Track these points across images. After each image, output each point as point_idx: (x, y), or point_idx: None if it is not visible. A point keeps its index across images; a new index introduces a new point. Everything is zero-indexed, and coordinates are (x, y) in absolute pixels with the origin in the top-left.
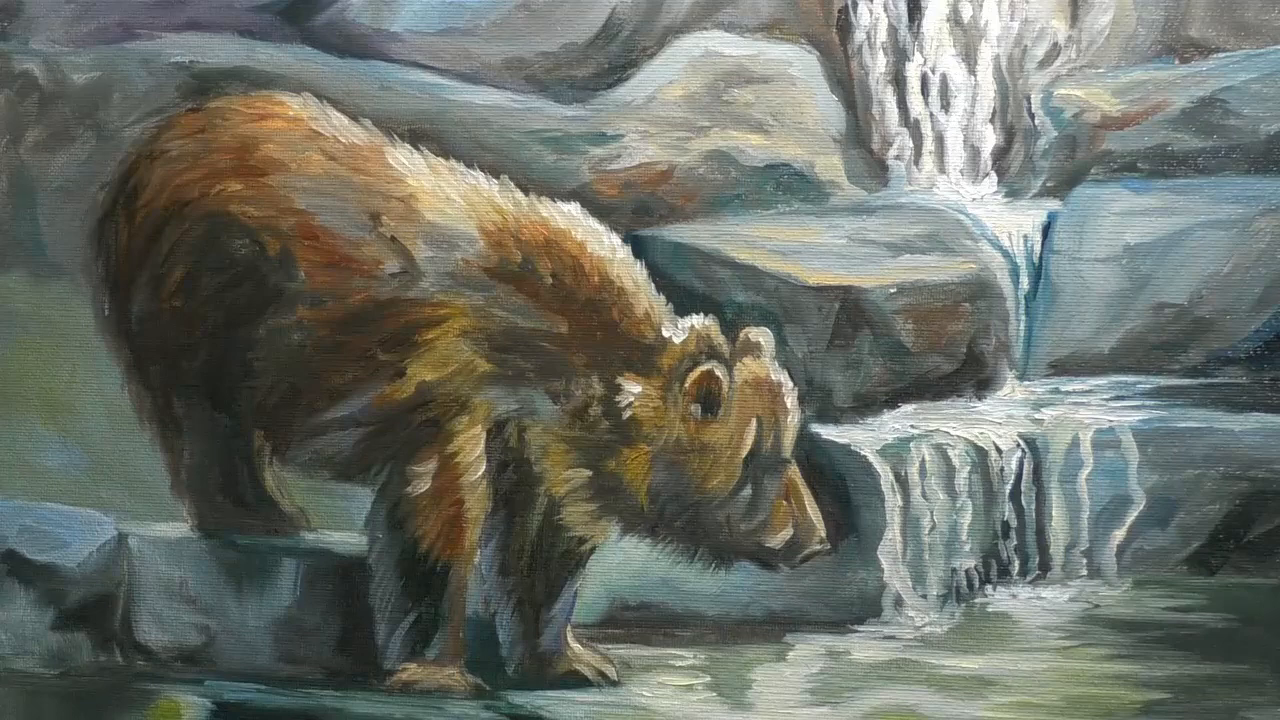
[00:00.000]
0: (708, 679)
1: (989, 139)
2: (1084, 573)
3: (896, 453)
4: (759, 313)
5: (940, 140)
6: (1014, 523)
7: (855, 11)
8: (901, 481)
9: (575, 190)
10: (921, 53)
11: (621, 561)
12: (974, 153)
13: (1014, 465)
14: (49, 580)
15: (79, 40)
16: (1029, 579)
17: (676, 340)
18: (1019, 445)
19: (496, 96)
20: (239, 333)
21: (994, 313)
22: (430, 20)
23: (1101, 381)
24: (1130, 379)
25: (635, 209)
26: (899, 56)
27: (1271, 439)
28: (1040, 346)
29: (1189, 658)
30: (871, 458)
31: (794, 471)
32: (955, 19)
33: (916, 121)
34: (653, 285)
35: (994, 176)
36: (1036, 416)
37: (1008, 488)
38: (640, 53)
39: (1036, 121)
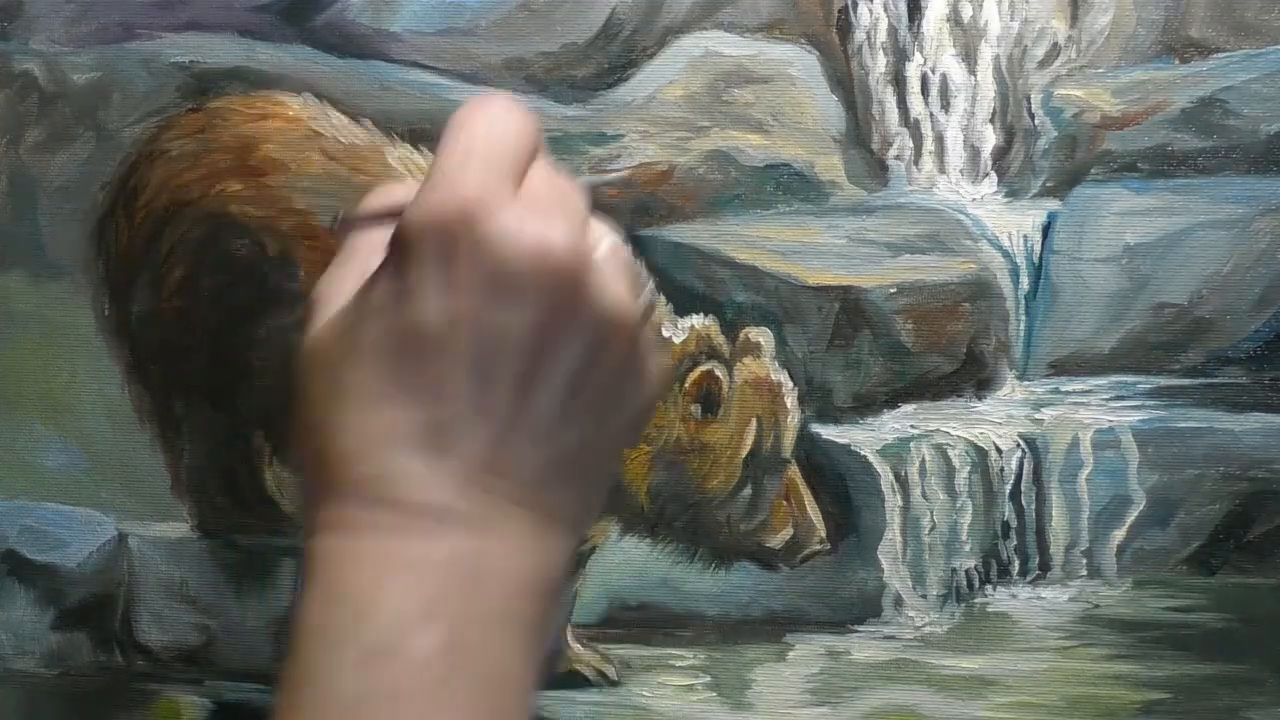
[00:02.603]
0: (708, 679)
1: (989, 139)
2: (1084, 573)
3: (896, 453)
4: (759, 313)
5: (940, 140)
6: (1014, 523)
7: (855, 11)
8: (901, 481)
9: None
10: (921, 53)
11: (621, 561)
12: (974, 153)
13: (1014, 465)
14: (49, 580)
15: (79, 40)
16: (1029, 579)
17: (676, 340)
18: (1019, 445)
19: None
20: (239, 333)
21: (994, 313)
22: (430, 20)
23: (1101, 381)
24: (1130, 379)
25: (635, 209)
26: (899, 56)
27: (1271, 439)
28: (1040, 346)
29: (1189, 658)
30: (871, 458)
31: (794, 471)
32: (955, 19)
33: (916, 121)
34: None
35: (994, 176)
36: (1036, 416)
37: (1008, 488)
38: (640, 53)
39: (1036, 121)
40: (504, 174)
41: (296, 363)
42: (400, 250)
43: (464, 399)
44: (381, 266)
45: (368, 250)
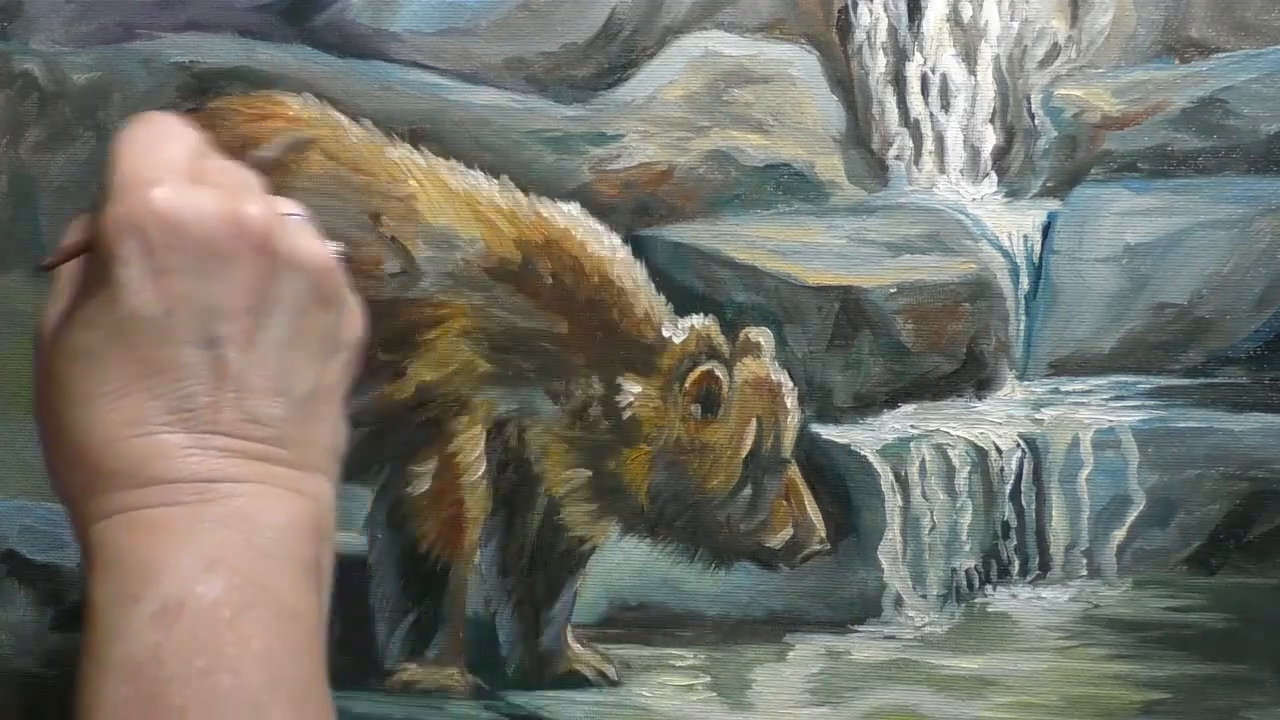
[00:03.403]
0: (708, 679)
1: (989, 139)
2: (1084, 573)
3: (896, 453)
4: (759, 313)
5: (940, 140)
6: (1014, 523)
7: (855, 11)
8: (901, 481)
9: (575, 190)
10: (921, 53)
11: (621, 561)
12: (974, 153)
13: (1014, 465)
14: (49, 580)
15: (79, 40)
16: (1029, 579)
17: (676, 340)
18: (1019, 445)
19: (496, 96)
20: None
21: (994, 313)
22: (430, 20)
23: (1101, 381)
24: (1130, 379)
25: (635, 209)
26: (899, 56)
27: (1271, 439)
28: (1040, 346)
29: (1189, 658)
30: (871, 458)
31: (794, 471)
32: (955, 19)
33: (916, 121)
34: (653, 285)
35: (994, 176)
36: (1036, 416)
37: (1008, 488)
38: (640, 53)
39: (1036, 121)
40: (177, 169)
41: (35, 388)
42: (101, 258)
43: (199, 372)
44: (85, 280)
45: (70, 279)
